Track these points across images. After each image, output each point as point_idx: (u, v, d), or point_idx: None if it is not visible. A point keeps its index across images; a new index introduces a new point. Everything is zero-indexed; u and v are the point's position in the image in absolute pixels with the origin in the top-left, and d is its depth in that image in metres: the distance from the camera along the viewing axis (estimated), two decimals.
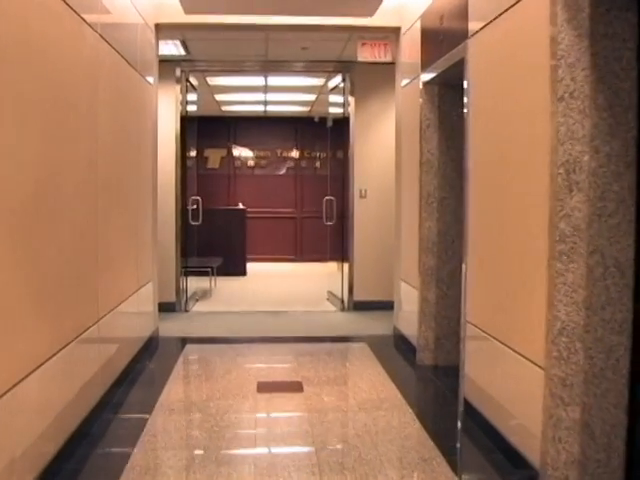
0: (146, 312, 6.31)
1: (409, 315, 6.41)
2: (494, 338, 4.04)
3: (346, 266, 8.75)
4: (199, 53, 8.11)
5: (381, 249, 8.55)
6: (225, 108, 13.21)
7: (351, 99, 8.61)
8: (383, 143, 8.55)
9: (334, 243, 10.05)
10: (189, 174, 9.21)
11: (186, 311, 8.49)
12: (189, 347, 6.69)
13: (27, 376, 3.08)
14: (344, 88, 8.71)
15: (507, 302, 3.84)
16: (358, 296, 8.62)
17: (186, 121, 8.66)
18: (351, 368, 5.86)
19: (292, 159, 14.60)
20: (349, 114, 8.65)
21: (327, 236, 13.76)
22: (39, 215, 3.28)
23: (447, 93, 5.82)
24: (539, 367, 3.29)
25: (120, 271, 5.17)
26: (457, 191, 5.82)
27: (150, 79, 6.39)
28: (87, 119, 4.19)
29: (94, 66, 4.32)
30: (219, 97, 11.67)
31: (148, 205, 6.39)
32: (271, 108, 13.18)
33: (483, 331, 4.25)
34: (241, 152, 14.49)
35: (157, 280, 6.97)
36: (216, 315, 8.30)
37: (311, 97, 11.74)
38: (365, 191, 8.55)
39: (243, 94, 11.52)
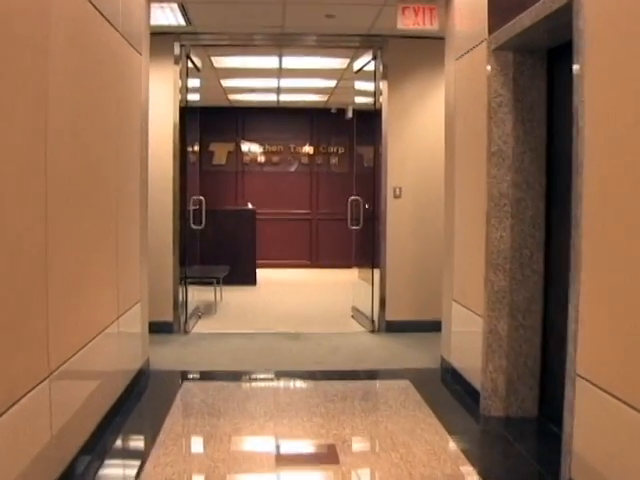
0: (131, 342, 4.94)
1: (465, 346, 5.02)
2: (628, 405, 2.66)
3: (376, 277, 7.36)
4: (202, 23, 6.73)
5: (419, 258, 7.17)
6: (233, 97, 11.84)
7: (383, 84, 7.21)
8: (421, 134, 7.17)
9: (357, 248, 8.65)
10: (191, 171, 7.87)
11: (186, 332, 7.11)
12: (186, 386, 5.31)
13: None
14: (375, 70, 7.30)
15: None
16: (391, 315, 7.23)
17: (187, 110, 7.26)
18: (398, 422, 4.46)
19: (306, 155, 13.21)
20: (380, 101, 7.24)
21: (349, 240, 12.40)
22: None
23: (526, 61, 4.42)
24: None
25: (90, 298, 3.79)
26: (537, 190, 4.45)
27: (138, 46, 5.02)
28: (31, 76, 2.82)
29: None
30: (226, 83, 10.29)
31: (134, 206, 5.02)
32: (285, 97, 11.80)
33: (607, 392, 2.87)
34: (250, 147, 13.12)
35: (149, 297, 5.65)
36: (222, 338, 6.92)
37: (330, 84, 10.35)
38: (400, 190, 7.16)
39: (253, 79, 10.13)
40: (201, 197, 7.71)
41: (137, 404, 4.72)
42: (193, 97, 7.88)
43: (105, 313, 4.13)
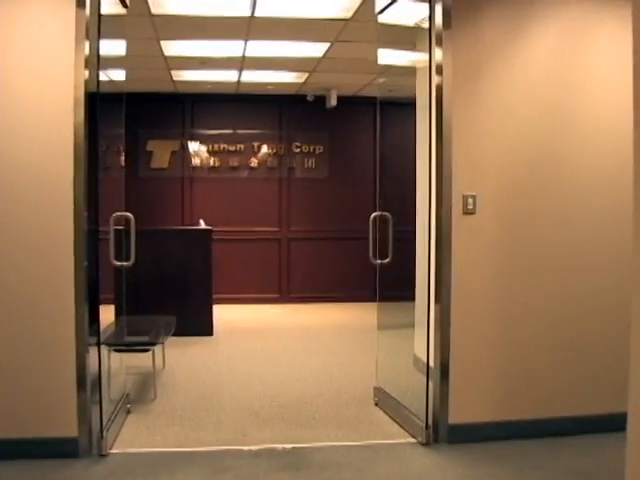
0: None
1: None
2: None
3: (418, 336, 4.40)
4: None
5: (511, 315, 4.22)
6: (179, 77, 8.73)
7: (443, 37, 4.18)
8: (511, 114, 4.22)
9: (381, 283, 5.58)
10: (111, 178, 4.84)
11: (101, 455, 3.97)
12: None
13: None
14: (431, 17, 4.23)
15: None
16: (460, 412, 4.23)
17: (100, 94, 4.14)
18: None
19: (274, 155, 10.13)
20: (438, 67, 4.20)
21: (331, 265, 9.51)
22: None
23: None
24: None
25: None
26: None
27: None
28: None
29: None
30: (169, 48, 7.18)
31: None
32: (249, 77, 8.72)
33: None
34: (201, 146, 9.99)
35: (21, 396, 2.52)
36: (164, 469, 3.81)
37: (318, 50, 7.33)
38: (473, 201, 4.17)
39: (209, 42, 7.04)
40: (127, 214, 4.59)
41: None
42: (115, 74, 5.01)
43: None
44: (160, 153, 9.86)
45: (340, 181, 10.13)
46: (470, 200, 4.16)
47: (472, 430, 4.22)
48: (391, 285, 5.45)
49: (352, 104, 9.79)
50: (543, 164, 4.25)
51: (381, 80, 6.48)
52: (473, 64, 4.18)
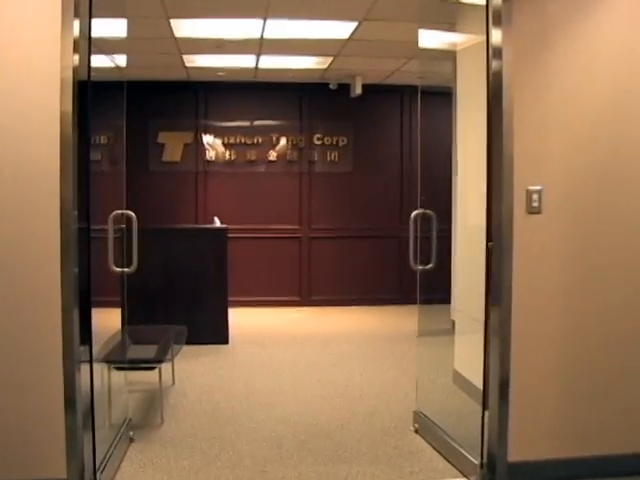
0: None
1: None
2: None
3: (458, 348, 3.73)
4: None
5: (589, 333, 3.54)
6: (192, 63, 8.08)
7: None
8: (587, 91, 3.53)
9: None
10: (116, 173, 4.26)
11: None
12: None
13: None
14: None
15: None
16: (519, 448, 3.54)
17: (89, 81, 3.48)
18: None
19: (294, 148, 9.46)
20: (497, 35, 3.52)
21: (356, 266, 8.83)
22: None
23: None
24: None
25: None
26: None
27: None
28: None
29: None
30: (181, 32, 6.53)
31: None
32: (268, 62, 8.05)
33: None
34: (216, 138, 9.34)
35: None
36: None
37: (343, 32, 6.66)
38: (538, 198, 3.47)
39: (227, 21, 6.38)
40: (128, 212, 3.94)
41: None
42: (117, 59, 4.46)
43: None
44: (172, 146, 9.21)
45: (365, 175, 9.43)
46: (535, 196, 3.47)
47: (535, 469, 3.54)
48: (421, 287, 4.76)
49: (378, 92, 9.11)
50: (620, 154, 3.55)
51: (419, 66, 5.80)
52: (535, 44, 3.49)
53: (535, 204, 3.48)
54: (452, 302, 7.49)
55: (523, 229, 3.47)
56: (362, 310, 9.00)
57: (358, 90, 8.73)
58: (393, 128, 9.49)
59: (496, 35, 3.49)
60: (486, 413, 3.60)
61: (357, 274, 9.43)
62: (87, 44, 3.32)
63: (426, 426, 4.27)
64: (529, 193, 3.47)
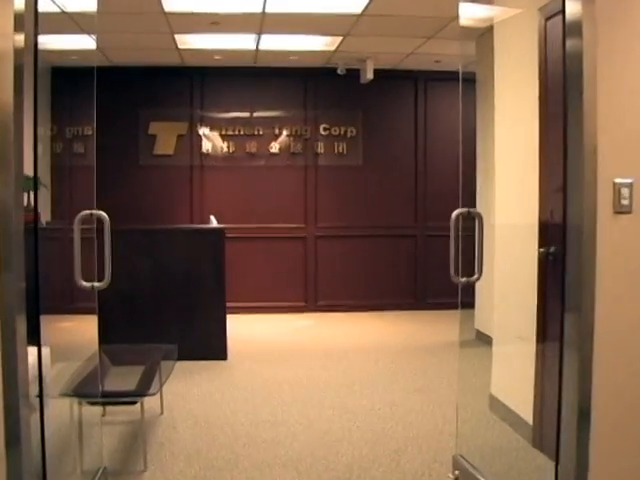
0: None
1: None
2: None
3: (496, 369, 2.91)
4: None
5: None
6: (185, 44, 7.29)
7: None
8: None
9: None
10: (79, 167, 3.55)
11: None
12: None
13: None
14: None
15: None
16: None
17: (36, 65, 2.76)
18: None
19: (299, 139, 8.70)
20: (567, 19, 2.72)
21: (366, 267, 8.12)
22: None
23: None
24: None
25: None
26: None
27: None
28: None
29: None
30: (172, 5, 5.73)
31: None
32: (270, 43, 7.26)
33: None
34: (212, 129, 8.57)
35: None
36: None
37: (355, 6, 5.87)
38: (629, 193, 2.66)
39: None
40: (100, 213, 3.13)
41: None
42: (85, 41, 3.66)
43: None
44: (165, 137, 8.50)
45: (376, 169, 8.73)
46: (625, 191, 2.66)
47: None
48: (436, 290, 3.95)
49: (391, 78, 8.39)
50: None
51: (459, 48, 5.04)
52: (619, 15, 2.69)
53: (625, 201, 2.67)
54: (476, 309, 6.78)
55: (609, 232, 2.67)
56: (373, 316, 8.24)
57: (369, 75, 7.95)
58: (407, 117, 8.83)
59: (575, 7, 2.68)
60: (559, 468, 2.79)
61: (367, 277, 8.73)
62: (34, 19, 2.51)
63: (467, 474, 3.47)
64: (618, 189, 2.66)
